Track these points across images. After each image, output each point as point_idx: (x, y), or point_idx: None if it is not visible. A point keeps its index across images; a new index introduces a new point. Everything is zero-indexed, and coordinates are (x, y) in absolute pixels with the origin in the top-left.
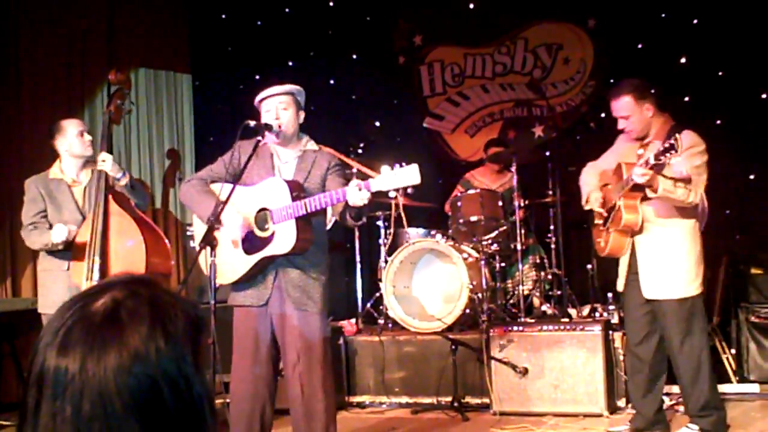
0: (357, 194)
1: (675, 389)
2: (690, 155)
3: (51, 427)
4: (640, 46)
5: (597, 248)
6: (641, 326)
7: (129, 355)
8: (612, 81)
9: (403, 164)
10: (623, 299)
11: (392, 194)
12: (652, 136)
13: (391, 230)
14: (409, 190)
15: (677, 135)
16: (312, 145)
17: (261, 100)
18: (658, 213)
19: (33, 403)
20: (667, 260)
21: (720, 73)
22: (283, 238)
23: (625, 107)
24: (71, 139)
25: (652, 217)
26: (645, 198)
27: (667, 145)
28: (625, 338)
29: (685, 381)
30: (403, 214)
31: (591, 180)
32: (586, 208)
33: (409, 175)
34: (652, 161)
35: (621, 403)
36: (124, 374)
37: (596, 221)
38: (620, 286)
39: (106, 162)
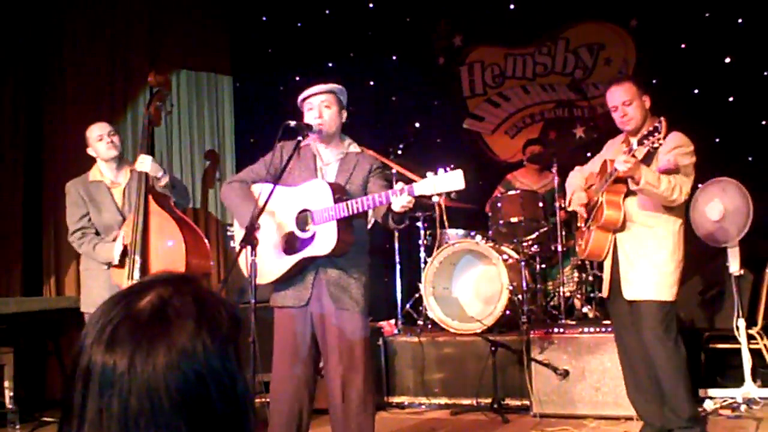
0: (400, 198)
1: (716, 392)
2: (677, 154)
3: (97, 422)
4: (683, 46)
5: (578, 251)
6: (632, 334)
7: (177, 352)
8: (654, 82)
9: (448, 169)
10: (609, 305)
11: (435, 198)
12: (640, 137)
13: (436, 231)
14: (453, 195)
15: (661, 118)
16: (354, 148)
17: (304, 99)
18: (642, 212)
19: (79, 399)
20: (648, 261)
21: (765, 74)
22: (324, 240)
23: (628, 91)
24: (94, 144)
25: (635, 216)
26: (628, 195)
27: (651, 128)
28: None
29: (662, 390)
30: (444, 216)
31: (576, 182)
32: (569, 209)
33: (453, 179)
34: (635, 146)
35: None
36: (172, 371)
37: (579, 224)
38: (605, 291)
39: (144, 163)
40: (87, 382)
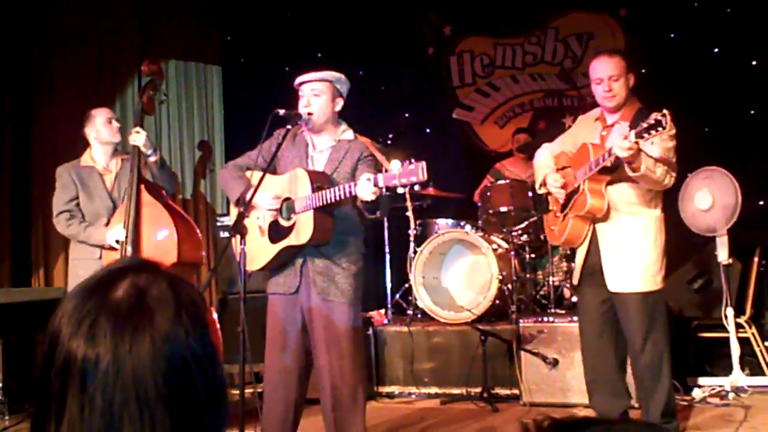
0: (364, 187)
1: (705, 381)
2: (663, 138)
3: (78, 418)
4: (672, 35)
5: (550, 236)
6: (599, 326)
7: (162, 341)
8: (644, 71)
9: (413, 160)
10: (578, 295)
11: (400, 190)
12: (618, 117)
13: (425, 221)
14: (416, 188)
15: (665, 111)
16: (348, 135)
17: (299, 85)
18: (625, 200)
19: (57, 394)
20: (631, 251)
21: (753, 63)
22: (302, 229)
23: (617, 66)
24: (99, 126)
25: (618, 205)
26: (609, 183)
27: (652, 121)
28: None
29: (645, 383)
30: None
31: (546, 162)
32: (541, 191)
33: (415, 172)
34: (633, 138)
35: None
36: (158, 360)
37: (551, 207)
38: (576, 279)
39: (139, 135)
40: (66, 378)
